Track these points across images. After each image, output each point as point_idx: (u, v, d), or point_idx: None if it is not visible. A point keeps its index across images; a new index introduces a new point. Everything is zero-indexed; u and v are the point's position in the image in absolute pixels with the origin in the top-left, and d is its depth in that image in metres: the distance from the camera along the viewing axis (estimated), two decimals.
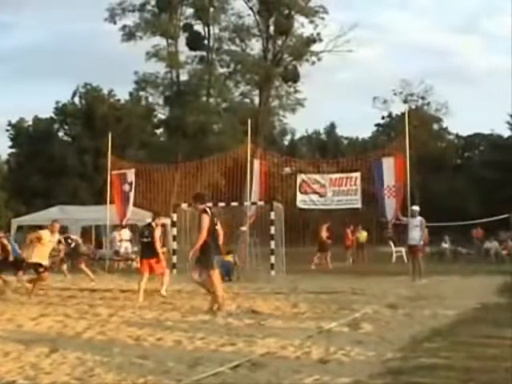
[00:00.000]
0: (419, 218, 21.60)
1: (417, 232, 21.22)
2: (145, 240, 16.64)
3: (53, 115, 66.56)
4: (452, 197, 61.87)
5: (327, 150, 75.86)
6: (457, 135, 77.04)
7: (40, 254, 17.09)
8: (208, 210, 13.39)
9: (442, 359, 7.99)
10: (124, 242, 30.05)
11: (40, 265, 16.97)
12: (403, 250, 28.27)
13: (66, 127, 67.05)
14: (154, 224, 16.81)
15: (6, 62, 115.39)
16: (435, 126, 72.63)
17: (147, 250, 16.62)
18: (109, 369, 7.81)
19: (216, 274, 13.18)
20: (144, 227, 17.09)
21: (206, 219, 12.98)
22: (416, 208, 22.21)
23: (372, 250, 33.85)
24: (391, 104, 68.97)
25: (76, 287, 19.40)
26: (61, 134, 67.80)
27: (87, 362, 8.21)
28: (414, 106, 65.71)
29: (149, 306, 14.38)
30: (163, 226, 33.37)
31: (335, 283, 19.58)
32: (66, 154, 60.57)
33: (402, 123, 28.86)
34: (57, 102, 66.21)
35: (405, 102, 66.47)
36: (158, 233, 16.52)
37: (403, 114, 31.89)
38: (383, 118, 73.25)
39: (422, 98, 67.84)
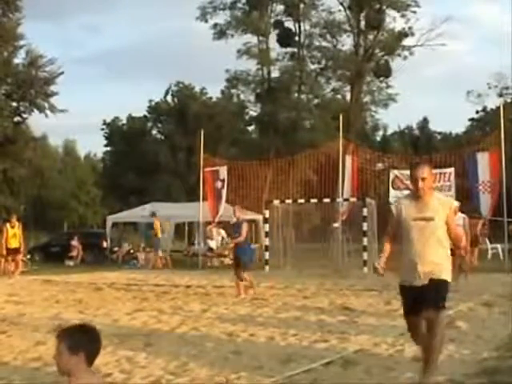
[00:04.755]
0: None
1: None
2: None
3: (146, 114, 67.54)
4: None
5: (420, 145, 74.65)
6: None
7: None
8: None
9: None
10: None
11: None
12: (499, 246, 27.61)
13: (159, 125, 67.89)
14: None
15: (100, 63, 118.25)
16: None
17: None
18: (202, 364, 7.90)
19: None
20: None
21: None
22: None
23: None
24: (486, 98, 67.32)
25: (170, 283, 19.66)
26: (154, 132, 68.78)
27: (181, 357, 8.32)
28: (509, 100, 64.00)
29: (241, 302, 14.47)
30: (254, 222, 33.72)
31: None
32: (159, 152, 61.34)
33: (497, 117, 28.18)
34: (150, 101, 67.12)
35: (500, 95, 64.75)
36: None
37: (498, 107, 31.13)
38: (477, 112, 71.42)
39: None
